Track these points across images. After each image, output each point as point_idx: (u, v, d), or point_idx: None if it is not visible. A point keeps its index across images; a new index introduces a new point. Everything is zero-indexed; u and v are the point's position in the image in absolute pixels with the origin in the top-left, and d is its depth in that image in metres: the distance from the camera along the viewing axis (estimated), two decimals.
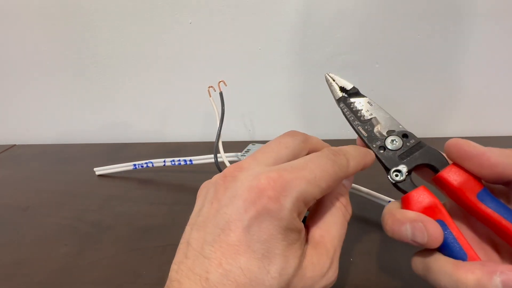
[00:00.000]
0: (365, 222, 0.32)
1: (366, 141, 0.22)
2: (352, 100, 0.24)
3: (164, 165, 0.41)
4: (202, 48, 0.51)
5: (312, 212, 0.19)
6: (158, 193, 0.40)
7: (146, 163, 0.41)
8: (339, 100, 0.24)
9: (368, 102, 0.23)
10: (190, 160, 0.39)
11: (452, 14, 0.46)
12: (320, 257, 0.17)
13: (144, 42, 0.52)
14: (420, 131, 0.57)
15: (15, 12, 0.52)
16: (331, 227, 0.18)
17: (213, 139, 0.35)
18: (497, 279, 0.14)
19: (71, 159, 0.53)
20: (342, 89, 0.24)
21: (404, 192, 0.20)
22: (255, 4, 0.47)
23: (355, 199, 0.34)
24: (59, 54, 0.54)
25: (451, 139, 0.19)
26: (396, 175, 0.20)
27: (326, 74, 0.25)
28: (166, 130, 0.59)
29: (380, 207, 0.31)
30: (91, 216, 0.36)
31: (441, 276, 0.16)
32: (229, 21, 0.49)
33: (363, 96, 0.24)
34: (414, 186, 0.20)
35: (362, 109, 0.23)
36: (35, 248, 0.32)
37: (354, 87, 0.24)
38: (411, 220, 0.18)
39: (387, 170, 0.21)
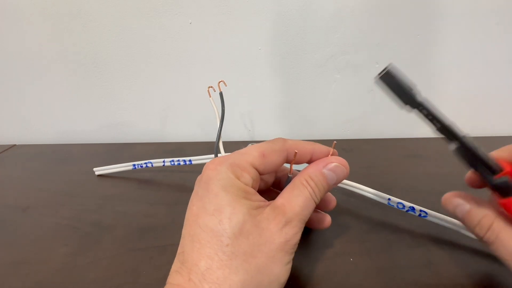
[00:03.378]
0: (365, 222, 0.32)
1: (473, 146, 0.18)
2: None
3: (164, 165, 0.41)
4: (202, 48, 0.51)
5: (284, 189, 0.22)
6: (158, 193, 0.40)
7: (145, 163, 0.41)
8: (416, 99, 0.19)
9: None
10: (190, 160, 0.39)
11: (452, 14, 0.46)
12: (276, 216, 0.19)
13: (144, 42, 0.52)
14: (422, 131, 0.57)
15: (15, 12, 0.52)
16: (293, 198, 0.20)
17: (213, 139, 0.35)
18: None
19: (71, 159, 0.53)
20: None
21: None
22: (255, 4, 0.47)
23: (355, 198, 0.34)
24: (59, 54, 0.54)
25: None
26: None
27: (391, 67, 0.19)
28: (166, 130, 0.60)
29: (380, 207, 0.31)
30: (91, 216, 0.36)
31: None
32: (229, 21, 0.49)
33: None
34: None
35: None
36: (35, 248, 0.32)
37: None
38: None
39: (494, 172, 0.18)
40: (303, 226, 0.20)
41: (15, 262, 0.30)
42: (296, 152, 0.22)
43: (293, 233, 0.19)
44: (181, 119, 0.58)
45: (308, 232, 0.30)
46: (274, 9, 0.48)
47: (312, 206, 0.21)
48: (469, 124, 0.54)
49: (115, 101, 0.58)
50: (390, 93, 0.20)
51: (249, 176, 0.20)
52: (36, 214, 0.38)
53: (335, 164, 0.22)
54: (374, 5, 0.46)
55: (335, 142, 0.23)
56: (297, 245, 0.20)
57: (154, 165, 0.41)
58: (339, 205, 0.35)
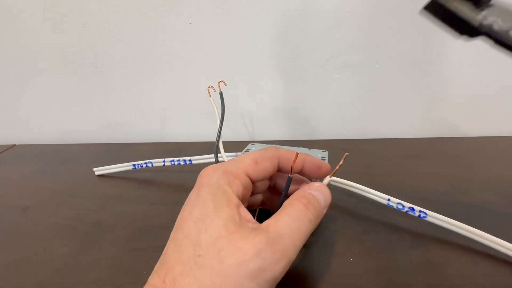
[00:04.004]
0: (365, 222, 0.32)
1: None
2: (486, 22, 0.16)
3: (164, 165, 0.41)
4: (202, 48, 0.51)
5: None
6: (158, 193, 0.40)
7: (145, 163, 0.42)
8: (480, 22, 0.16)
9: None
10: (190, 160, 0.39)
11: None
12: (256, 236, 0.17)
13: (144, 42, 0.52)
14: (422, 131, 0.57)
15: (15, 12, 0.52)
16: (281, 218, 0.19)
17: (213, 139, 0.35)
18: None
19: (71, 159, 0.53)
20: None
21: None
22: (255, 4, 0.48)
23: (355, 198, 0.34)
24: (59, 54, 0.54)
25: None
26: None
27: None
28: (166, 130, 0.60)
29: (380, 207, 0.31)
30: (91, 216, 0.36)
31: None
32: (229, 21, 0.49)
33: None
34: None
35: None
36: (35, 248, 0.32)
37: None
38: None
39: None
40: (290, 255, 0.17)
41: (15, 262, 0.30)
42: (297, 153, 0.22)
43: (272, 260, 0.16)
44: (181, 119, 0.58)
45: None
46: (274, 9, 0.48)
47: (305, 228, 0.18)
48: (469, 124, 0.54)
49: (115, 101, 0.58)
50: (440, 23, 0.17)
51: (240, 183, 0.20)
52: (36, 214, 0.38)
53: (318, 185, 0.22)
54: (374, 5, 0.46)
55: (347, 154, 0.22)
56: (276, 282, 0.17)
57: (154, 165, 0.41)
58: (339, 205, 0.35)
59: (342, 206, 0.35)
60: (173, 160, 0.40)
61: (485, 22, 0.15)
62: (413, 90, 0.51)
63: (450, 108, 0.53)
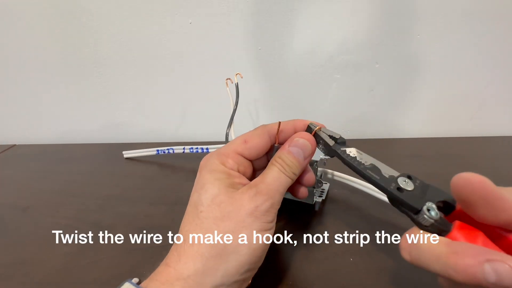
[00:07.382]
0: (365, 221, 0.32)
1: (382, 184, 0.21)
2: (343, 148, 0.23)
3: (184, 152, 0.45)
4: (201, 48, 0.51)
5: None
6: (158, 193, 0.41)
7: (168, 149, 0.46)
8: (333, 147, 0.24)
9: (357, 151, 0.23)
10: (207, 148, 0.44)
11: (452, 14, 0.46)
12: (249, 189, 0.22)
13: (144, 43, 0.52)
14: (422, 131, 0.57)
15: (15, 12, 0.52)
16: (265, 175, 0.23)
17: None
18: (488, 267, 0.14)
19: (71, 159, 0.53)
20: (332, 137, 0.24)
21: (444, 231, 0.17)
22: (255, 4, 0.48)
23: (355, 198, 0.35)
24: (59, 54, 0.54)
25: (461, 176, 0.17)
26: (431, 214, 0.18)
27: (312, 125, 0.25)
28: (166, 130, 0.60)
29: (381, 205, 0.31)
30: (91, 216, 0.36)
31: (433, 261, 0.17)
32: (229, 21, 0.49)
33: (349, 146, 0.24)
34: (450, 224, 0.18)
35: (356, 157, 0.23)
36: (35, 248, 0.32)
37: (341, 137, 0.24)
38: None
39: (416, 211, 0.19)
40: (276, 197, 0.22)
41: (15, 262, 0.30)
42: (280, 122, 0.25)
43: (263, 200, 0.21)
44: (181, 119, 0.58)
45: (308, 232, 0.30)
46: (274, 10, 0.48)
47: (285, 179, 0.23)
48: (469, 124, 0.54)
49: (115, 101, 0.58)
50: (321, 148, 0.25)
51: (233, 161, 0.24)
52: (36, 214, 0.38)
53: (296, 139, 0.24)
54: (374, 5, 0.46)
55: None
56: (270, 217, 0.21)
57: (175, 151, 0.46)
58: (341, 201, 0.35)
59: (344, 203, 0.35)
60: (192, 148, 0.45)
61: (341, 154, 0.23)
62: (413, 90, 0.51)
63: (449, 108, 0.53)
